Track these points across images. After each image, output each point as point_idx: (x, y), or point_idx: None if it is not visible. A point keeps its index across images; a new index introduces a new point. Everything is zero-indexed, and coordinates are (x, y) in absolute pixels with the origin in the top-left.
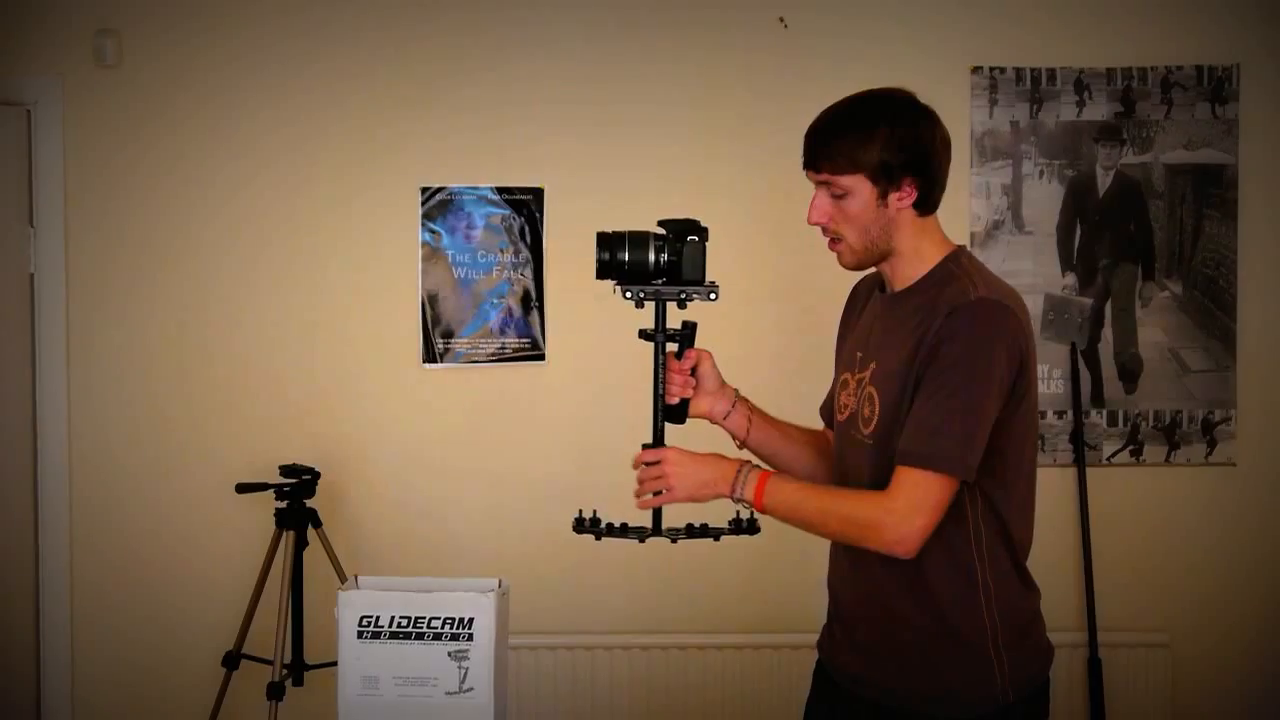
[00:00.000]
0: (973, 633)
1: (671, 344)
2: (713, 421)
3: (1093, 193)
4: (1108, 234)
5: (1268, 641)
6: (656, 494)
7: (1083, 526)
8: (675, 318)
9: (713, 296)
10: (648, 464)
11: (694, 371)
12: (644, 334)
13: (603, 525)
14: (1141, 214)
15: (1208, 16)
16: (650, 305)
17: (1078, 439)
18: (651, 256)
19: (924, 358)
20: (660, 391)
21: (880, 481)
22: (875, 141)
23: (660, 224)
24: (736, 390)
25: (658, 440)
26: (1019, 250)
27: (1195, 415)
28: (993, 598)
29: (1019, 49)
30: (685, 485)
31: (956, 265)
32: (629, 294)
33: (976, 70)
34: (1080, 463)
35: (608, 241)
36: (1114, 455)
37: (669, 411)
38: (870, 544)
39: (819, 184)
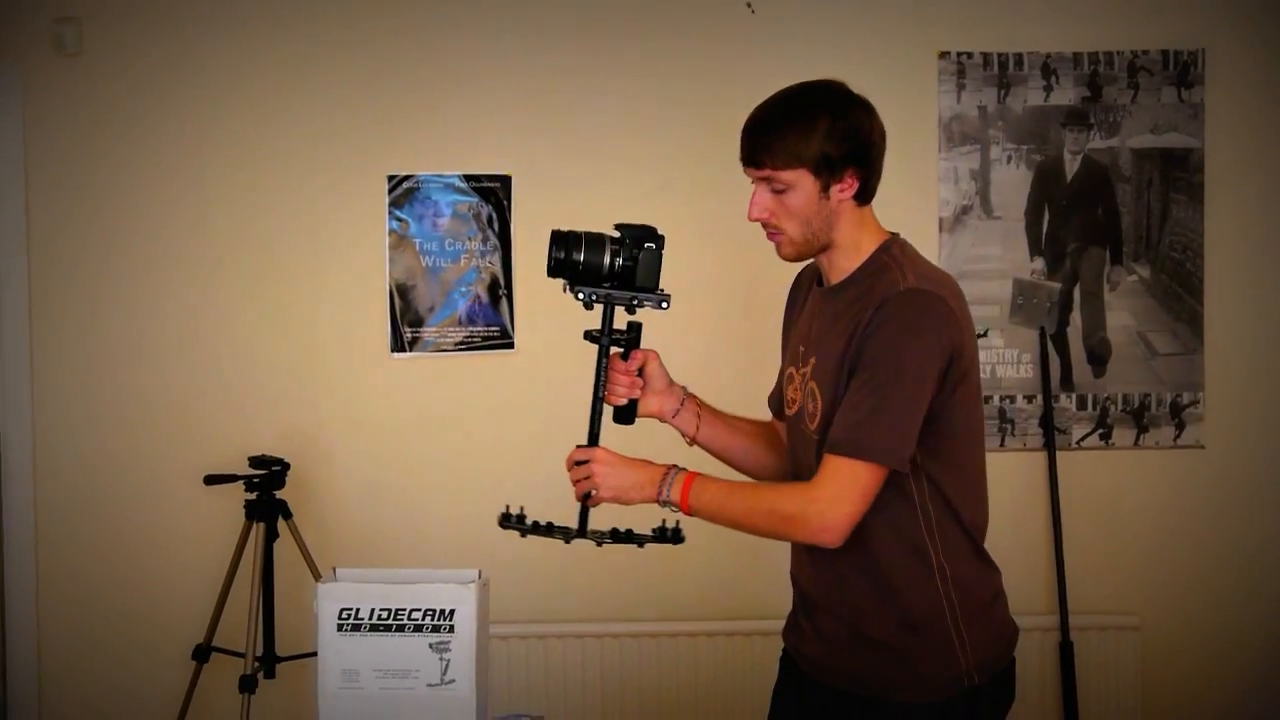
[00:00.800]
0: (932, 616)
1: (619, 346)
2: (662, 420)
3: (1060, 177)
4: (1075, 218)
5: (1236, 623)
6: (587, 495)
7: (1053, 510)
8: (621, 319)
9: (664, 305)
10: (578, 463)
11: (641, 372)
12: (589, 335)
13: (528, 523)
14: (1109, 198)
15: (1173, 1)
16: (599, 307)
17: (1047, 423)
18: (607, 260)
19: (854, 349)
20: (600, 394)
21: None
22: (816, 134)
23: (617, 228)
24: (685, 388)
25: (593, 440)
26: (987, 235)
27: (1164, 399)
28: (949, 580)
29: (986, 34)
30: (611, 486)
31: (888, 255)
32: (580, 294)
33: (944, 55)
34: (1050, 447)
35: (563, 240)
36: (1083, 439)
37: (618, 412)
38: (797, 536)
39: (759, 180)
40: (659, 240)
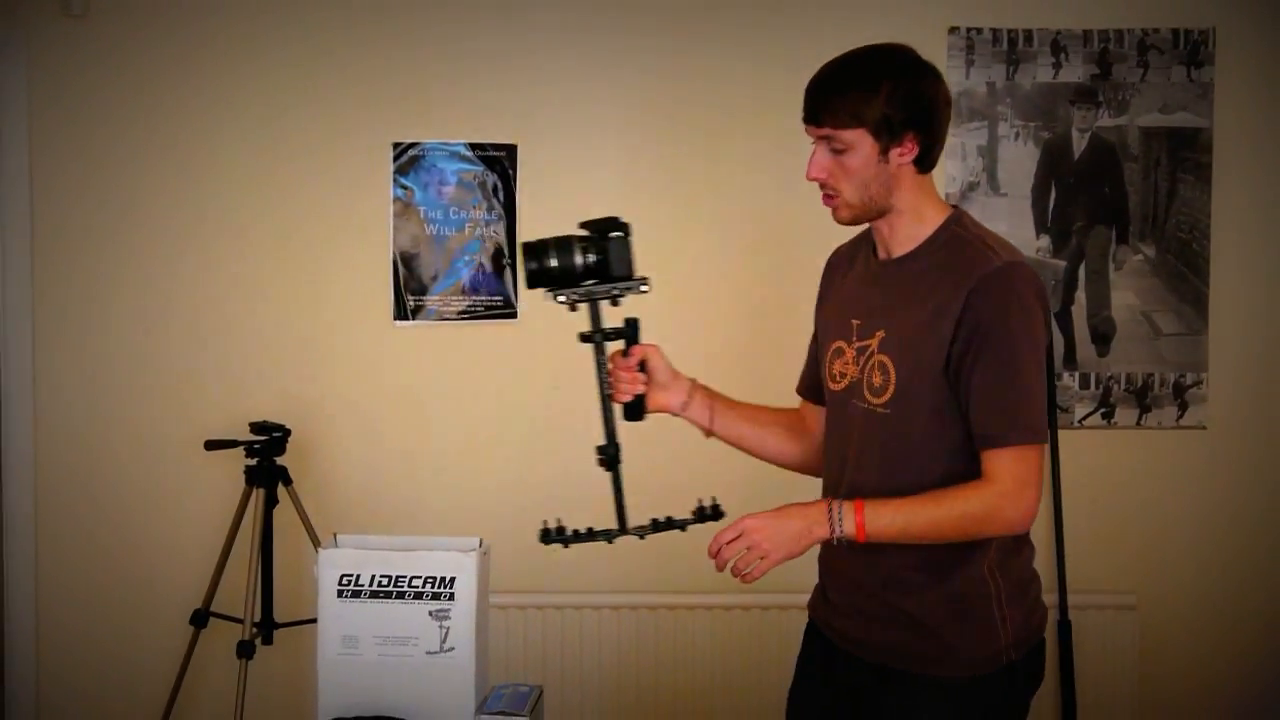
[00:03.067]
0: (977, 596)
1: (619, 344)
2: (674, 414)
3: (1068, 155)
4: (1082, 196)
5: (1234, 603)
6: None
7: (1054, 489)
8: (615, 317)
9: (644, 289)
10: (730, 542)
11: (644, 367)
12: (583, 337)
13: (569, 533)
14: (1116, 177)
15: None
16: (584, 308)
17: (1050, 401)
18: (579, 259)
19: (965, 330)
20: (606, 392)
21: (896, 449)
22: (878, 96)
23: (582, 225)
24: (694, 380)
25: (609, 438)
26: (994, 212)
27: (1167, 379)
28: (996, 559)
29: (996, 9)
30: (779, 546)
31: (962, 229)
32: (561, 298)
33: (953, 31)
34: (1053, 425)
35: (534, 250)
36: (1086, 418)
37: (627, 410)
38: (990, 533)
39: (819, 139)
40: (625, 227)
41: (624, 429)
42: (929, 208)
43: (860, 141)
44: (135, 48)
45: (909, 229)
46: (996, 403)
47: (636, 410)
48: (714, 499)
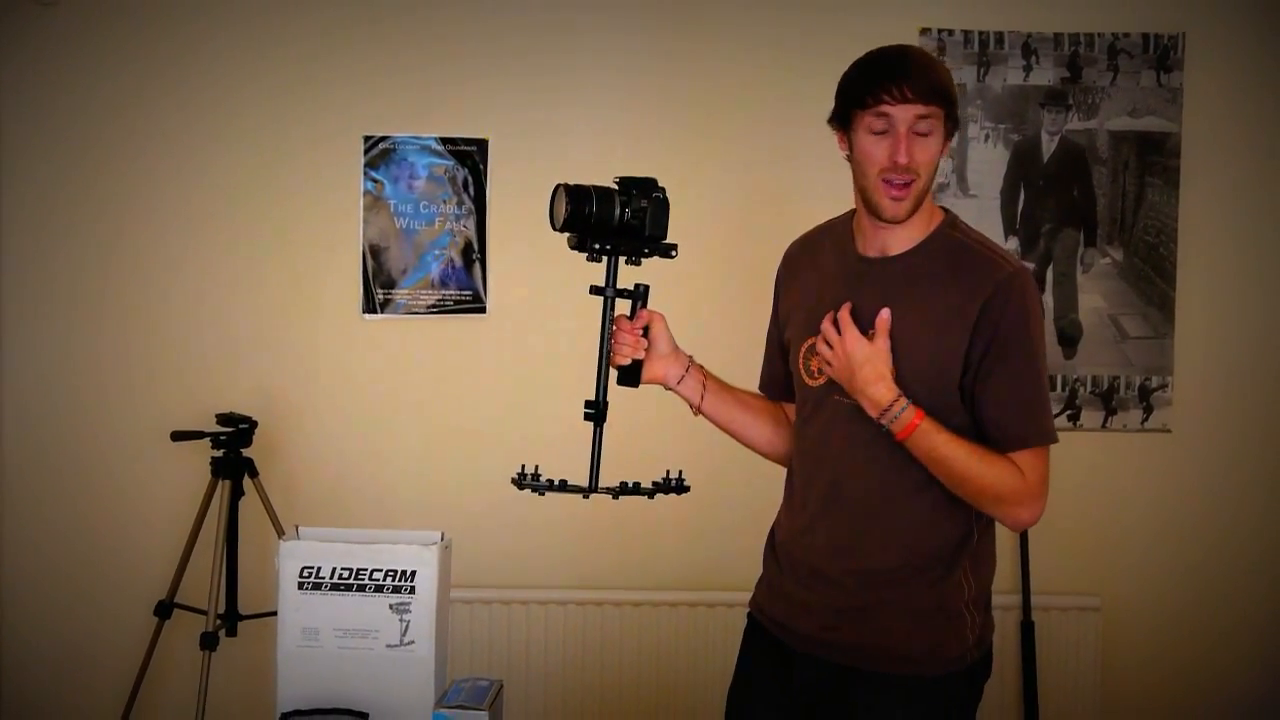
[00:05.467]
0: (954, 594)
1: (624, 303)
2: (666, 387)
3: (1037, 158)
4: (1051, 199)
5: (1196, 606)
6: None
7: None
8: (625, 280)
9: (672, 254)
10: (829, 342)
11: (646, 334)
12: (595, 289)
13: (543, 481)
14: (1085, 180)
15: None
16: (602, 262)
17: None
18: (617, 212)
19: (985, 336)
20: (607, 348)
21: (884, 444)
22: (952, 83)
23: (618, 181)
24: (691, 357)
25: (599, 399)
26: (963, 213)
27: (1133, 382)
28: (973, 560)
29: (968, 11)
30: (842, 374)
31: (961, 232)
32: (597, 246)
33: (925, 32)
34: None
35: (575, 194)
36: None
37: (622, 373)
38: (997, 513)
39: (912, 116)
40: (663, 191)
41: (610, 395)
42: (929, 206)
43: (941, 125)
44: (104, 39)
45: (911, 227)
46: (1020, 406)
47: (633, 376)
48: (680, 472)
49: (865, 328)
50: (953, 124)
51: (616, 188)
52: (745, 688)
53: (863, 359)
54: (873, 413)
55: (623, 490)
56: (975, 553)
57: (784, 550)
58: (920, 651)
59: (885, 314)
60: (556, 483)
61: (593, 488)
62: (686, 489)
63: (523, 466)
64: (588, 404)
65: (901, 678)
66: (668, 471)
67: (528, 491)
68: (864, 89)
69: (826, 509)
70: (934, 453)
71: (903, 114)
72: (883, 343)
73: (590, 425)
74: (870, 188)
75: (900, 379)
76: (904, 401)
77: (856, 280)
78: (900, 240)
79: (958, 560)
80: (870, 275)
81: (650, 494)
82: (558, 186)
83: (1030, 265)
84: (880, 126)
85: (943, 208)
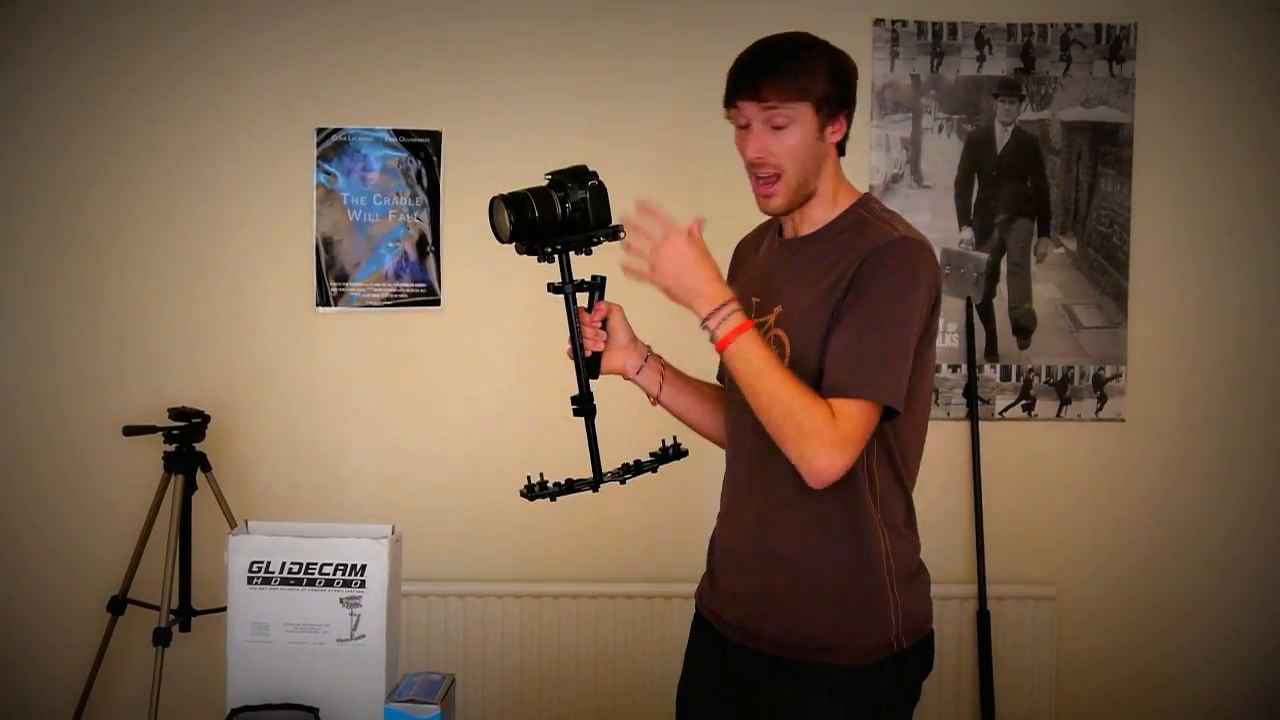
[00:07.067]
0: (871, 575)
1: (581, 296)
2: (625, 377)
3: (991, 148)
4: (1005, 189)
5: (1151, 594)
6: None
7: (975, 480)
8: (581, 269)
9: (621, 235)
10: (652, 235)
11: (604, 325)
12: (553, 287)
13: (551, 487)
14: (1038, 170)
15: None
16: (555, 261)
17: (971, 393)
18: (559, 209)
19: (844, 295)
20: (579, 342)
21: None
22: (820, 72)
23: (550, 175)
24: (649, 347)
25: (584, 393)
26: (917, 204)
27: (1087, 371)
28: (887, 538)
29: (921, 2)
30: (667, 275)
31: (869, 211)
32: (549, 250)
33: (878, 23)
34: (973, 417)
35: (514, 203)
36: (1007, 409)
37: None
38: (792, 451)
39: (758, 115)
40: (595, 175)
41: (567, 388)
42: (843, 191)
43: (802, 117)
44: (56, 30)
45: (819, 212)
46: (854, 356)
47: (592, 367)
48: (674, 437)
49: (774, 304)
50: (830, 110)
51: (549, 183)
52: (690, 680)
53: (696, 256)
54: (704, 311)
55: (626, 471)
56: (886, 531)
57: (715, 538)
58: (840, 637)
59: (699, 219)
60: (564, 484)
61: (599, 479)
62: (685, 453)
63: (529, 478)
64: (574, 399)
65: (826, 667)
66: (663, 440)
67: (526, 493)
68: (727, 87)
69: (748, 491)
70: (752, 364)
71: (752, 111)
72: (705, 246)
73: (580, 421)
74: (750, 181)
75: (797, 351)
76: (736, 304)
77: (778, 262)
78: (810, 222)
79: (868, 539)
80: (785, 256)
81: (654, 467)
82: (494, 199)
83: (984, 255)
84: (741, 121)
85: (864, 192)
